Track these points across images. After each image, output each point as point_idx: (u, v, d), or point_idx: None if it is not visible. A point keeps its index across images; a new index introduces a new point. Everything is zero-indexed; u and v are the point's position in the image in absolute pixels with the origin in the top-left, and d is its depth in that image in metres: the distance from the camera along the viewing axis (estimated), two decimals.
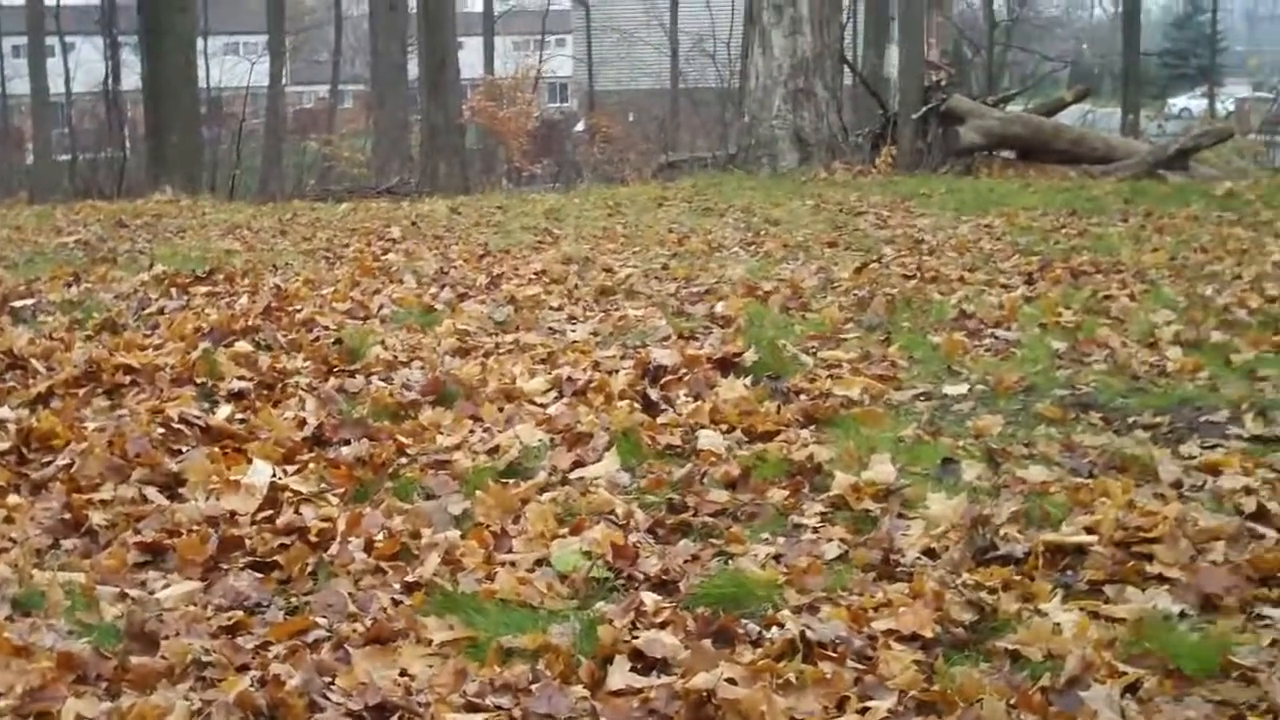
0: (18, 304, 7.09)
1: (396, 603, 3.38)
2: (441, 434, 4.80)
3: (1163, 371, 5.56)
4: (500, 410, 5.07)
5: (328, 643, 3.16)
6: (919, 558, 3.62)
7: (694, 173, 16.63)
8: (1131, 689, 2.86)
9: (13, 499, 4.15)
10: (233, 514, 3.99)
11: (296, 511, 4.00)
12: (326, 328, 6.51)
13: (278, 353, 5.99)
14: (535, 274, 8.27)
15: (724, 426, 4.84)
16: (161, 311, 6.96)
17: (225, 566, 3.66)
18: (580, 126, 39.86)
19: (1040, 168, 15.78)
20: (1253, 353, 5.80)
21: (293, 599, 3.48)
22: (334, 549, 3.71)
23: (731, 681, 2.81)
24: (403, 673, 3.02)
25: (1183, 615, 3.24)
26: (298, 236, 10.84)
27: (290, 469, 4.39)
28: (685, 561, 3.62)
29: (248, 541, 3.79)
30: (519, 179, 31.24)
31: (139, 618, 3.18)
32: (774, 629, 3.14)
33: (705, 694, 2.77)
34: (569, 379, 5.44)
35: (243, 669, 3.02)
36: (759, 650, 3.05)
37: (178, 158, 18.16)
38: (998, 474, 4.27)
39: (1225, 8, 46.90)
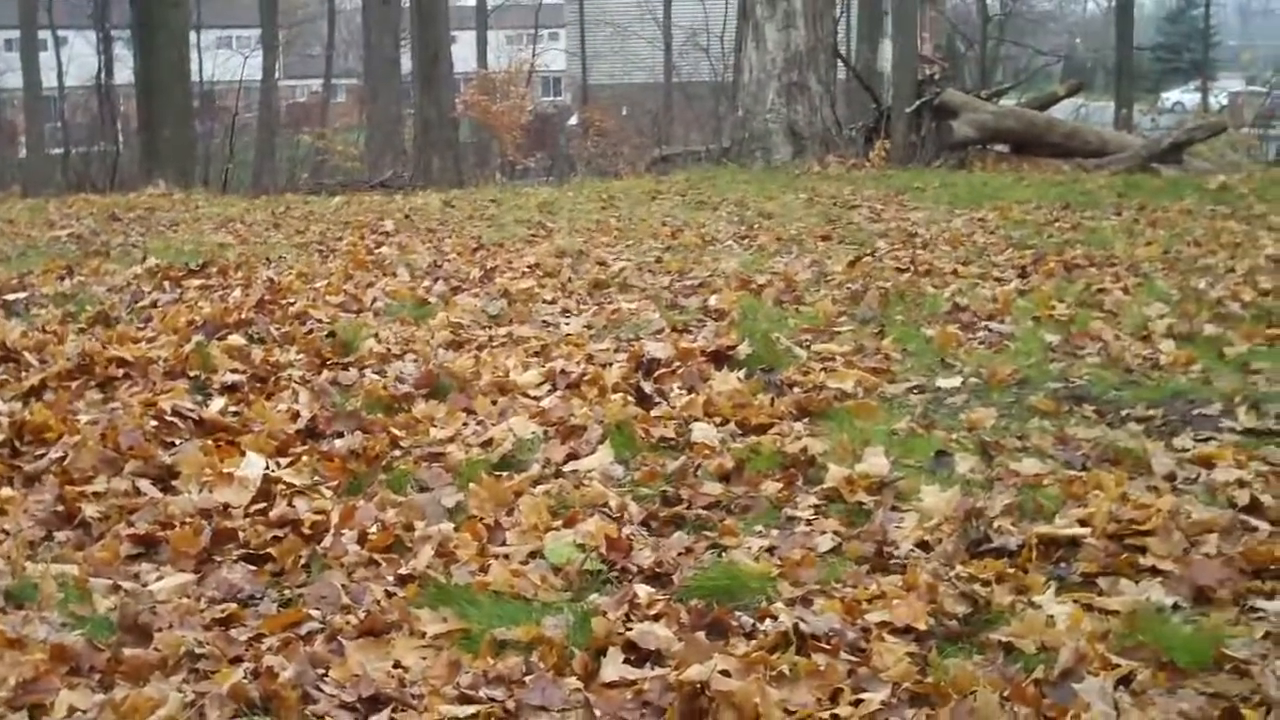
0: (10, 297, 7.09)
1: (390, 595, 3.38)
2: (435, 427, 4.80)
3: (1156, 364, 5.57)
4: (494, 403, 5.07)
5: (321, 635, 3.15)
6: (912, 550, 3.62)
7: (688, 166, 16.62)
8: (1125, 681, 2.85)
9: (6, 491, 4.14)
10: (226, 506, 3.98)
11: (290, 504, 3.99)
12: (320, 321, 6.50)
13: (271, 346, 5.98)
14: (529, 267, 8.27)
15: (717, 419, 4.84)
16: (154, 305, 6.96)
17: (218, 559, 3.65)
18: (574, 120, 39.77)
19: (1034, 161, 15.79)
20: (1246, 346, 5.81)
21: (286, 591, 3.48)
22: (327, 541, 3.71)
23: (725, 673, 2.81)
24: (396, 665, 3.02)
25: (1176, 608, 3.24)
26: (291, 230, 10.83)
27: (283, 461, 4.38)
28: (679, 554, 3.62)
29: (241, 534, 3.78)
30: (512, 173, 31.15)
31: (132, 610, 3.18)
32: (767, 621, 3.14)
33: (699, 686, 2.76)
34: (562, 372, 5.43)
35: (236, 661, 3.01)
36: (753, 642, 3.05)
37: (170, 152, 18.13)
38: (991, 467, 4.27)
39: (1218, 2, 46.85)
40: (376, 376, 5.47)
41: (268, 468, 4.21)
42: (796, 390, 5.24)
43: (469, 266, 8.36)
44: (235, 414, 4.93)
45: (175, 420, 4.76)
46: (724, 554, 3.62)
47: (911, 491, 4.03)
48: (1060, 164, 15.45)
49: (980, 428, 4.71)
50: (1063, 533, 3.63)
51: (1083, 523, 3.67)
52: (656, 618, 3.19)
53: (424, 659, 3.05)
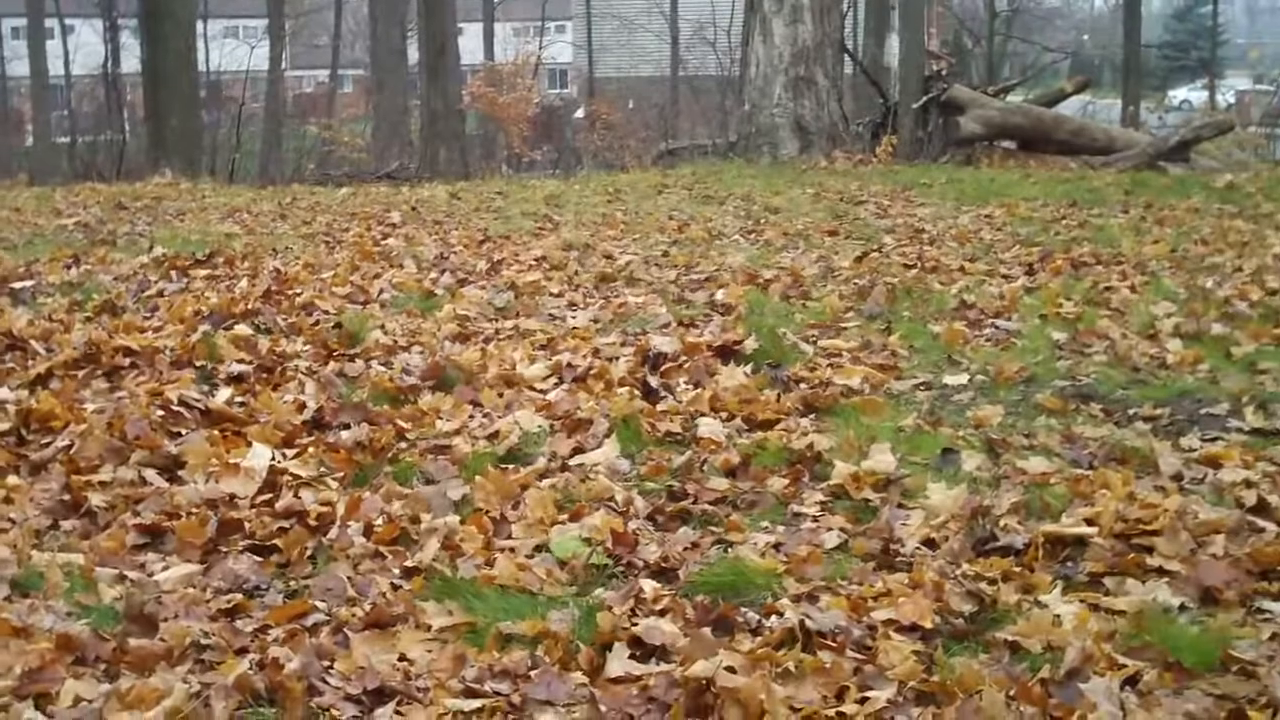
0: (17, 285, 7.08)
1: (395, 587, 3.38)
2: (441, 419, 4.79)
3: (1163, 363, 5.56)
4: (500, 396, 5.06)
5: (326, 627, 3.16)
6: (919, 548, 3.62)
7: (694, 160, 16.61)
8: (1131, 681, 2.85)
9: (12, 480, 4.14)
10: (232, 497, 3.99)
11: (296, 495, 3.99)
12: (326, 312, 6.50)
13: (277, 336, 5.99)
14: (535, 260, 8.26)
15: (724, 414, 4.84)
16: (161, 294, 6.96)
17: (224, 549, 3.65)
18: (580, 113, 39.77)
19: (1040, 158, 15.77)
20: (1253, 345, 5.80)
21: (292, 582, 3.48)
22: (333, 533, 3.71)
23: (730, 670, 2.81)
24: (401, 657, 3.02)
25: (1182, 608, 3.24)
26: (297, 220, 10.82)
27: (289, 452, 4.38)
28: (685, 549, 3.62)
29: (247, 525, 3.78)
30: (519, 165, 31.19)
31: (138, 600, 3.18)
32: (773, 617, 3.13)
33: (704, 682, 2.76)
34: (569, 365, 5.43)
35: (241, 652, 3.02)
36: (758, 639, 3.05)
37: (177, 141, 18.13)
38: (998, 464, 4.27)
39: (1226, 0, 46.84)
40: (383, 368, 5.47)
41: (274, 459, 4.22)
42: (803, 386, 5.24)
43: (475, 259, 8.36)
44: (241, 404, 4.93)
45: (181, 410, 4.76)
46: (730, 550, 3.62)
47: (918, 489, 4.02)
48: (1067, 161, 15.43)
49: (987, 425, 4.71)
50: (1069, 532, 3.62)
51: (1089, 522, 3.67)
52: (662, 613, 3.19)
53: (429, 652, 3.05)
